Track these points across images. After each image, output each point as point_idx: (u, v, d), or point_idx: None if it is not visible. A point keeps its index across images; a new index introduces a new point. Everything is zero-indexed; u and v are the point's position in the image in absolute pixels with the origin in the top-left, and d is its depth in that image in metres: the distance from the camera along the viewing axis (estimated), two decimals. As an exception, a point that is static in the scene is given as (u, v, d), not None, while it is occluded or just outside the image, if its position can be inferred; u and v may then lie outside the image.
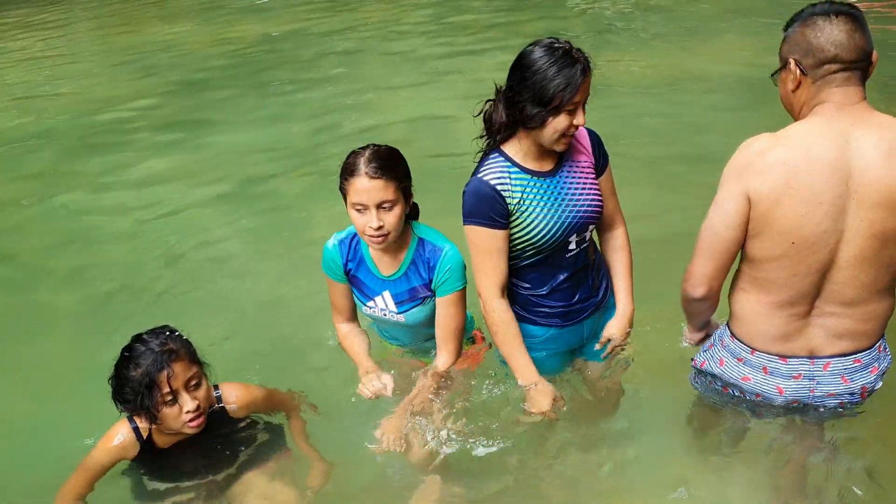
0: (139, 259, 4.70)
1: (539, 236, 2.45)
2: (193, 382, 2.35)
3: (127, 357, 2.30)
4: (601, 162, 2.57)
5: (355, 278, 2.71)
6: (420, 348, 2.87)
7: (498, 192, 2.40)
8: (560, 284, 2.58)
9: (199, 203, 5.40)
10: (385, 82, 7.66)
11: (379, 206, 2.41)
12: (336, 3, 11.86)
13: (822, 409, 2.37)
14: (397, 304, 2.66)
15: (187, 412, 2.32)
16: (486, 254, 2.46)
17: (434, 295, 2.63)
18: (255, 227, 4.97)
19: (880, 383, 2.33)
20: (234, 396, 2.57)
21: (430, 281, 2.61)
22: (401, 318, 2.68)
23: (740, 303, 2.31)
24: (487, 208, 2.40)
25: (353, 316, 2.88)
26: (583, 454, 2.86)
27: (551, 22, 9.48)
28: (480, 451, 2.64)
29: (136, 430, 2.45)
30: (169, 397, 2.29)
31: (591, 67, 2.28)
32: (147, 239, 4.94)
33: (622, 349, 2.75)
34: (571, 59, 2.25)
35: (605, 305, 2.73)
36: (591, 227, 2.55)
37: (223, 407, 2.56)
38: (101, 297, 4.30)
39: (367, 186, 2.39)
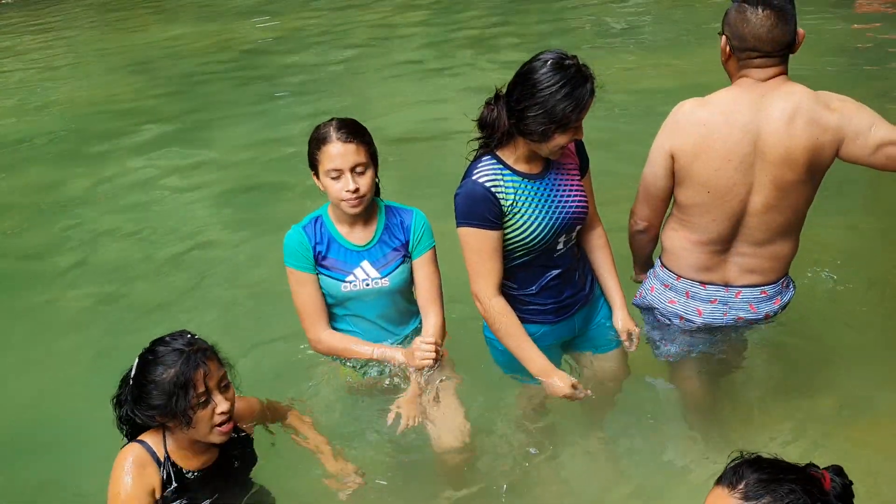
0: (135, 259, 4.70)
1: (531, 237, 2.49)
2: (224, 384, 2.21)
3: (151, 360, 2.13)
4: (584, 163, 2.63)
5: (327, 259, 2.67)
6: (399, 339, 2.81)
7: (492, 193, 2.42)
8: (549, 282, 2.62)
9: (195, 205, 5.41)
10: (383, 85, 7.67)
11: (353, 170, 2.52)
12: (334, 6, 11.87)
13: (732, 332, 2.86)
14: (379, 269, 2.68)
15: (221, 413, 2.16)
16: (481, 255, 2.49)
17: (409, 254, 2.71)
18: (251, 228, 4.96)
19: (782, 311, 2.76)
20: (240, 408, 2.43)
21: (407, 242, 2.70)
22: (385, 281, 2.67)
23: (671, 240, 2.72)
24: (482, 210, 2.43)
25: (328, 319, 2.76)
26: (588, 444, 2.91)
27: (550, 25, 9.49)
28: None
29: (149, 448, 2.22)
30: (203, 398, 2.13)
31: (596, 84, 2.30)
32: (143, 240, 4.94)
33: (638, 333, 2.78)
34: (582, 78, 2.27)
35: (592, 298, 2.78)
36: (578, 227, 2.59)
37: (241, 429, 2.41)
38: (98, 298, 4.30)
39: (342, 150, 2.50)
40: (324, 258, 2.67)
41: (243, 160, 6.14)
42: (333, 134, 2.51)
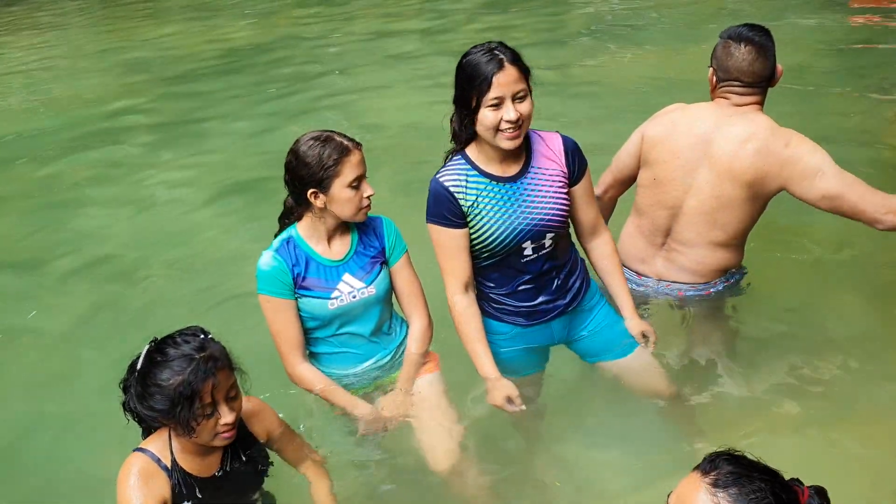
0: (132, 258, 4.69)
1: (490, 240, 2.52)
2: (232, 393, 2.10)
3: (158, 361, 2.02)
4: (576, 170, 2.58)
5: (307, 280, 2.59)
6: (390, 351, 2.77)
7: (451, 193, 2.49)
8: (520, 286, 2.63)
9: (191, 204, 5.39)
10: (377, 84, 7.66)
11: (362, 178, 2.53)
12: (328, 4, 11.85)
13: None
14: (362, 278, 2.64)
15: (224, 424, 2.07)
16: (446, 251, 2.57)
17: (388, 263, 2.71)
18: (246, 227, 4.95)
19: (730, 292, 3.04)
20: (267, 419, 2.38)
21: (383, 249, 2.69)
22: (371, 290, 2.64)
23: (626, 226, 3.08)
24: (443, 208, 2.51)
25: (305, 350, 2.71)
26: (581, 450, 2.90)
27: (543, 19, 9.49)
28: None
29: (154, 457, 2.15)
30: (209, 409, 2.04)
31: (516, 61, 2.34)
32: (140, 240, 4.93)
33: (654, 336, 2.78)
34: (489, 56, 2.33)
35: (577, 308, 2.74)
36: (549, 234, 2.55)
37: (249, 432, 2.33)
38: (96, 296, 4.28)
39: (361, 157, 2.51)
40: (304, 280, 2.59)
41: (237, 160, 6.12)
42: (348, 143, 2.50)
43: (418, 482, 2.66)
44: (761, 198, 2.75)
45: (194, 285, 4.34)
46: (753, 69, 2.69)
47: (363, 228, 2.68)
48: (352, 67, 8.41)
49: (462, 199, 2.49)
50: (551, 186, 2.54)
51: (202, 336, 2.09)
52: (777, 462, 1.69)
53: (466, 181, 2.50)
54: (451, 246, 2.55)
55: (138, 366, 2.06)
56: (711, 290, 2.98)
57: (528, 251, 2.55)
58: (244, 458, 2.30)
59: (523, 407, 2.57)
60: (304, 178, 2.48)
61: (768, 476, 1.59)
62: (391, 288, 2.75)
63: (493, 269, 2.63)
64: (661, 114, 2.90)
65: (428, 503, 2.68)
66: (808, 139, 2.68)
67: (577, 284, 2.73)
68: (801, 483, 1.64)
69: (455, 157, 2.54)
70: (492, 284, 2.66)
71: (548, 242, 2.57)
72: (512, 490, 2.71)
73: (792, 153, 2.63)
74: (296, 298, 2.60)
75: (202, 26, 11.23)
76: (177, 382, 1.98)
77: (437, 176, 2.53)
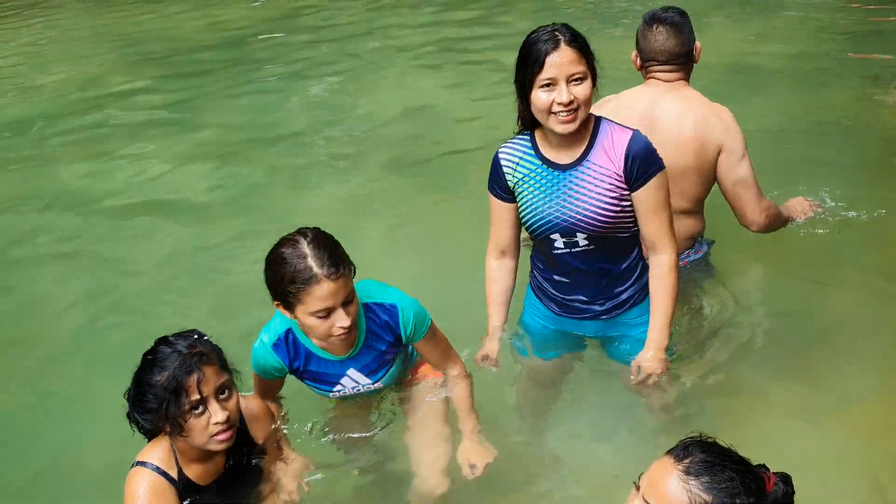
0: (129, 244, 4.70)
1: (525, 222, 2.56)
2: (224, 392, 2.07)
3: (150, 360, 2.04)
4: (637, 175, 2.40)
5: (308, 373, 2.46)
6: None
7: (501, 167, 2.55)
8: (556, 275, 2.64)
9: (189, 187, 5.38)
10: (379, 69, 7.63)
11: (344, 304, 2.18)
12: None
13: None
14: (368, 374, 2.48)
15: (216, 423, 2.03)
16: (492, 217, 2.68)
17: (402, 348, 2.52)
18: (245, 212, 4.96)
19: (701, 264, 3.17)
20: (262, 421, 2.36)
21: (398, 338, 2.44)
22: (378, 384, 2.52)
23: None
24: (493, 179, 2.60)
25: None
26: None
27: (542, 3, 9.44)
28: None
29: (160, 470, 2.12)
30: (197, 405, 2.01)
31: (574, 42, 2.30)
32: (135, 224, 4.93)
33: (654, 379, 2.58)
34: (548, 36, 2.32)
35: (615, 319, 2.67)
36: (580, 234, 2.47)
37: (244, 424, 2.28)
38: (90, 283, 4.28)
39: (332, 290, 2.13)
40: (304, 372, 2.46)
41: (236, 143, 6.10)
42: (318, 270, 2.11)
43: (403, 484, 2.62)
44: (708, 165, 2.91)
45: (181, 271, 4.34)
46: (667, 48, 2.92)
47: (373, 321, 2.39)
48: (353, 51, 8.36)
49: (510, 176, 2.53)
50: (598, 186, 2.42)
51: (196, 336, 2.10)
52: (752, 446, 1.74)
53: (520, 160, 2.51)
54: (495, 215, 2.66)
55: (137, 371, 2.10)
56: (686, 259, 3.08)
57: (558, 244, 2.52)
58: (245, 461, 2.29)
59: (494, 368, 2.69)
60: (274, 289, 2.22)
61: (739, 465, 1.64)
62: (405, 366, 2.63)
63: (537, 250, 2.69)
64: (598, 107, 2.90)
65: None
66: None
67: (625, 297, 2.62)
68: (768, 469, 1.69)
69: (523, 133, 2.54)
70: (539, 263, 2.72)
71: (581, 241, 2.49)
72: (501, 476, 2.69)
73: (726, 126, 2.87)
74: (284, 377, 2.52)
75: (202, 9, 11.14)
76: (163, 378, 2.00)
77: (500, 147, 2.57)
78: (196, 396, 2.01)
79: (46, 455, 3.09)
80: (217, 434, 2.06)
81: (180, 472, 2.14)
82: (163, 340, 2.09)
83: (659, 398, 2.68)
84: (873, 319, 3.34)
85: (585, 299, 2.64)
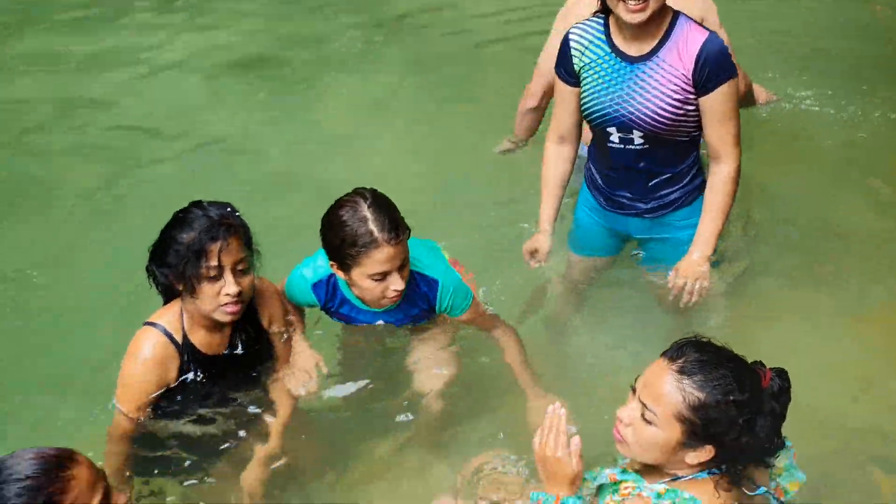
0: (140, 144, 4.56)
1: (585, 110, 2.52)
2: (242, 267, 2.12)
3: (181, 218, 2.11)
4: (706, 80, 2.33)
5: (338, 314, 2.52)
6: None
7: (570, 48, 2.49)
8: (607, 169, 2.63)
9: (197, 85, 5.15)
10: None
11: (399, 269, 2.23)
12: None
13: None
14: (396, 324, 2.53)
15: (227, 294, 2.10)
16: (556, 98, 2.65)
17: (433, 314, 2.53)
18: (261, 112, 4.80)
19: None
20: (272, 305, 2.40)
21: (431, 308, 2.48)
22: (401, 330, 2.58)
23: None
24: (560, 60, 2.53)
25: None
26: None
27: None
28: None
29: (166, 332, 2.20)
30: (214, 272, 2.07)
31: None
32: (142, 123, 4.74)
33: (690, 285, 2.55)
34: None
35: (659, 219, 2.65)
36: (637, 131, 2.44)
37: (257, 313, 2.35)
38: (100, 183, 4.20)
39: (392, 254, 2.17)
40: (334, 312, 2.52)
41: (253, 32, 5.79)
42: (379, 235, 2.13)
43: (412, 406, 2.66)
44: None
45: (218, 160, 4.28)
46: None
47: (413, 289, 2.40)
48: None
49: (577, 59, 2.47)
50: (663, 85, 2.36)
51: (229, 209, 2.16)
52: (763, 349, 1.77)
53: (589, 43, 2.45)
54: (558, 97, 2.61)
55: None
56: None
57: (614, 138, 2.49)
58: (250, 342, 2.34)
59: (536, 265, 2.69)
60: (333, 249, 2.24)
61: (733, 363, 1.69)
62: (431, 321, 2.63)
63: (593, 141, 2.64)
64: (570, 11, 2.92)
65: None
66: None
67: (671, 198, 2.60)
68: (764, 366, 1.74)
69: (598, 15, 2.45)
70: (593, 153, 2.69)
71: (637, 139, 2.45)
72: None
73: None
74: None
75: None
76: (189, 238, 2.06)
77: (571, 27, 2.51)
78: (214, 263, 2.06)
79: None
80: (225, 305, 2.12)
81: (185, 337, 2.21)
82: (197, 203, 2.14)
83: (684, 304, 2.62)
84: (886, 229, 3.36)
85: (631, 196, 2.63)
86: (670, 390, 1.65)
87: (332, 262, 2.27)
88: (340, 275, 2.29)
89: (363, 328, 2.58)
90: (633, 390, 1.75)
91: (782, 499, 1.86)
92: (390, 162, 4.06)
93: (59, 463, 1.56)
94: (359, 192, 2.23)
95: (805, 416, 2.16)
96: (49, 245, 3.67)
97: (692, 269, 2.53)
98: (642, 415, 1.70)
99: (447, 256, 2.64)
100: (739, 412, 1.63)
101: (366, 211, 2.16)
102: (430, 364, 2.60)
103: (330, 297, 2.46)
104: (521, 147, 3.66)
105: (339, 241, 2.18)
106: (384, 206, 2.20)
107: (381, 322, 2.51)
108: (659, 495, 1.72)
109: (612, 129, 2.47)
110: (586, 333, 2.99)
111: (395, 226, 2.17)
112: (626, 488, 1.79)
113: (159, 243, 2.13)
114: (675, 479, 1.75)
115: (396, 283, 2.22)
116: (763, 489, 1.76)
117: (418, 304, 2.46)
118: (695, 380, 1.64)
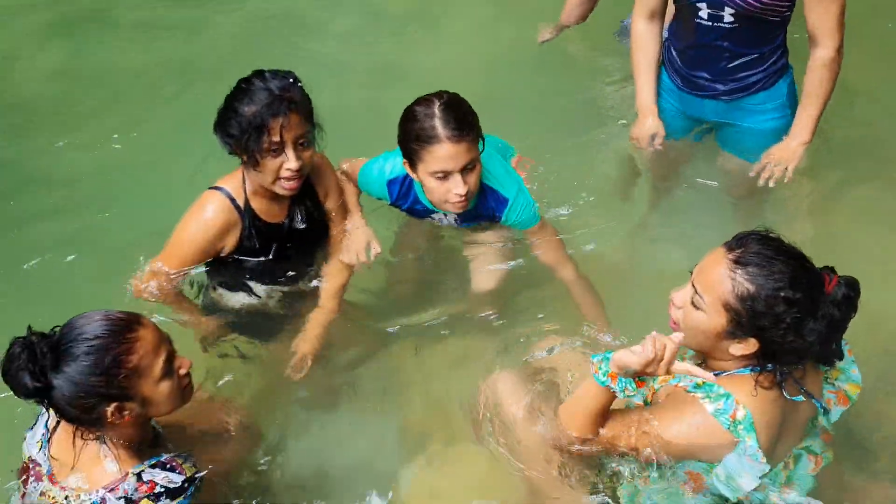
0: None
1: None
2: (302, 142, 2.12)
3: (243, 89, 2.09)
4: None
5: (406, 210, 2.54)
6: None
7: None
8: (689, 48, 2.55)
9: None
10: None
11: (463, 171, 2.20)
12: None
13: None
14: (461, 224, 2.55)
15: (287, 169, 2.11)
16: None
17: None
18: None
19: None
20: (328, 181, 2.41)
21: (497, 217, 2.47)
22: (464, 228, 2.58)
23: None
24: None
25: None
26: None
27: None
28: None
29: (230, 196, 2.21)
30: (276, 147, 2.08)
31: None
32: None
33: (781, 169, 2.52)
34: None
35: (735, 102, 2.59)
36: (728, 9, 2.35)
37: (314, 188, 2.37)
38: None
39: (452, 152, 2.15)
40: (402, 207, 2.53)
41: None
42: (442, 130, 2.13)
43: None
44: None
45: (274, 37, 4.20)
46: None
47: (483, 203, 2.41)
48: None
49: None
50: None
51: (291, 80, 2.11)
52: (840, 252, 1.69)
53: None
54: None
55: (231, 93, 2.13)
56: None
57: (703, 14, 2.40)
58: (308, 214, 2.36)
59: (660, 147, 2.62)
60: (402, 142, 2.26)
61: (794, 260, 1.63)
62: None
63: (677, 18, 2.56)
64: None
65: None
66: None
67: (750, 80, 2.54)
68: (834, 272, 1.67)
69: None
70: (675, 30, 2.61)
71: (727, 17, 2.38)
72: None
73: None
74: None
75: None
76: (250, 112, 2.04)
77: None
78: (276, 139, 2.06)
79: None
80: (285, 179, 2.14)
81: (247, 202, 2.24)
82: (259, 74, 2.11)
83: (763, 181, 2.57)
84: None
85: (709, 77, 2.57)
86: (721, 278, 1.64)
87: (405, 161, 2.29)
88: (410, 172, 2.31)
89: (422, 221, 2.61)
90: (692, 274, 1.74)
91: (846, 406, 1.84)
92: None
93: (126, 325, 1.64)
94: (438, 93, 2.23)
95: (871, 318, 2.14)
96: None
97: (784, 153, 2.52)
98: (692, 300, 1.69)
99: (515, 152, 2.64)
100: (788, 310, 1.60)
101: (436, 108, 2.17)
102: (485, 259, 2.63)
103: (402, 197, 2.48)
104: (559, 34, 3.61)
105: (407, 135, 2.21)
106: (455, 106, 2.20)
107: (446, 219, 2.53)
108: (696, 385, 1.73)
109: (702, 5, 2.38)
110: (652, 219, 2.99)
111: (461, 126, 2.16)
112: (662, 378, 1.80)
113: (223, 112, 2.12)
114: (718, 374, 1.74)
115: (458, 187, 2.20)
116: (800, 398, 1.73)
117: (485, 214, 2.47)
118: (748, 271, 1.61)
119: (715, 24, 2.41)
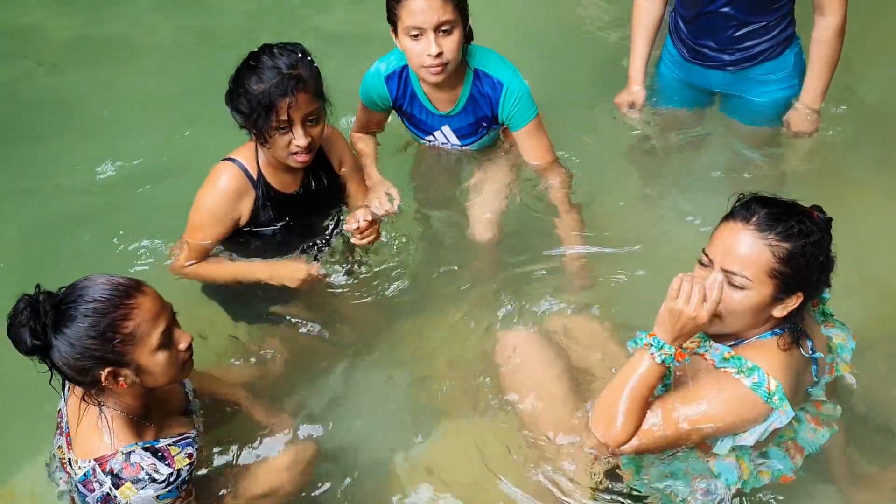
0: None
1: None
2: (312, 118, 2.13)
3: (251, 66, 2.08)
4: None
5: (407, 113, 2.56)
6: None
7: None
8: (695, 18, 2.54)
9: None
10: None
11: (437, 30, 2.21)
12: None
13: None
14: (460, 137, 2.56)
15: (297, 146, 2.13)
16: None
17: (498, 125, 2.54)
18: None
19: None
20: (340, 149, 2.43)
21: (495, 116, 2.48)
22: (466, 149, 2.59)
23: None
24: None
25: (374, 133, 2.73)
26: None
27: None
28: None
29: (243, 167, 2.24)
30: (284, 125, 2.08)
31: None
32: None
33: (803, 135, 2.60)
34: None
35: (742, 72, 2.60)
36: None
37: (328, 157, 2.40)
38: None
39: (424, 6, 2.18)
40: (403, 110, 2.56)
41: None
42: None
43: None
44: None
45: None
46: None
47: (478, 87, 2.44)
48: None
49: None
50: None
51: (299, 55, 2.11)
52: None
53: None
54: None
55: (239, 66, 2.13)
56: None
57: None
58: (321, 182, 2.37)
59: (636, 116, 2.66)
60: (386, 7, 2.30)
61: (795, 208, 1.70)
62: (494, 141, 2.65)
63: None
64: None
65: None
66: None
67: (756, 50, 2.54)
68: (804, 205, 1.73)
69: None
70: (681, 2, 2.60)
71: None
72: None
73: None
74: (388, 111, 2.60)
75: None
76: (259, 91, 2.04)
77: None
78: (284, 118, 2.07)
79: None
80: (296, 154, 2.15)
81: (260, 173, 2.25)
82: (267, 49, 2.11)
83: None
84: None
85: (715, 46, 2.57)
86: (755, 248, 1.65)
87: (391, 29, 2.31)
88: (395, 40, 2.32)
89: (432, 162, 2.66)
90: (702, 263, 1.72)
91: (832, 375, 1.88)
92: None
93: (126, 291, 1.65)
94: None
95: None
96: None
97: (804, 122, 2.56)
98: (730, 283, 1.67)
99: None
100: (820, 251, 1.66)
101: None
102: (485, 204, 2.65)
103: (401, 93, 2.50)
104: None
105: None
106: None
107: (447, 129, 2.53)
108: (724, 359, 1.73)
109: None
110: (655, 195, 2.97)
111: None
112: (691, 342, 1.80)
113: (234, 87, 2.13)
114: (740, 342, 1.76)
115: (430, 47, 2.21)
116: (819, 354, 1.79)
117: (482, 107, 2.46)
118: (777, 232, 1.64)
119: None
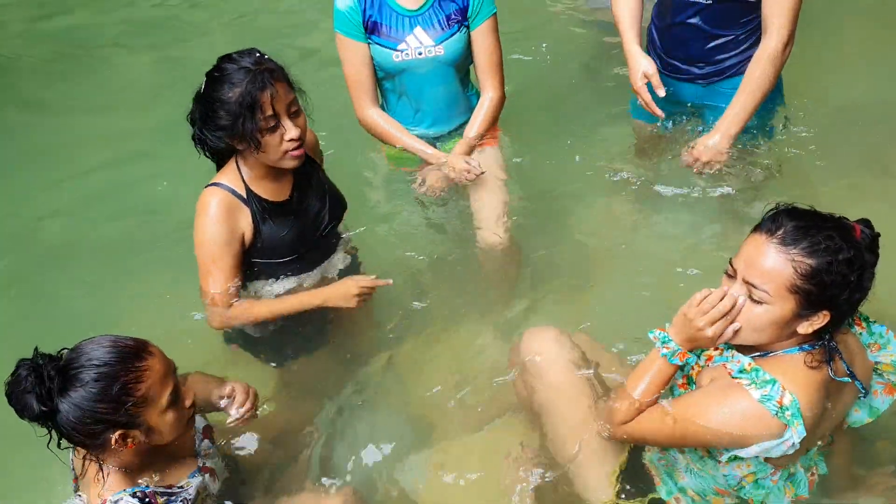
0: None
1: None
2: (293, 109, 2.07)
3: (218, 77, 1.99)
4: None
5: (378, 25, 2.55)
6: (451, 127, 2.80)
7: None
8: (668, 28, 2.57)
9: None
10: None
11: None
12: None
13: None
14: (433, 36, 2.56)
15: (290, 140, 2.05)
16: None
17: (466, 22, 2.57)
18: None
19: None
20: (311, 140, 2.37)
21: (465, 8, 2.54)
22: (440, 49, 2.56)
23: None
24: None
25: (377, 96, 2.71)
26: None
27: None
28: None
29: (230, 189, 2.15)
30: (271, 122, 2.01)
31: None
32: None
33: (706, 167, 2.51)
34: None
35: (712, 86, 2.60)
36: None
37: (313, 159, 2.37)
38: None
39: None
40: (374, 23, 2.54)
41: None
42: None
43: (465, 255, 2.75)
44: None
45: None
46: None
47: None
48: None
49: None
50: None
51: (258, 54, 2.05)
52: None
53: None
54: None
55: (201, 90, 2.05)
56: None
57: None
58: (311, 183, 2.32)
59: (662, 91, 2.48)
60: None
61: (830, 222, 1.60)
62: (466, 56, 2.64)
63: None
64: None
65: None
66: None
67: (726, 64, 2.54)
68: (849, 220, 1.65)
69: None
70: (657, 9, 2.62)
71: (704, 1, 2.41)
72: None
73: None
74: (368, 43, 2.57)
75: None
76: (237, 94, 1.96)
77: None
78: (270, 112, 2.00)
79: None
80: (291, 150, 2.08)
81: (248, 189, 2.17)
82: (226, 58, 2.03)
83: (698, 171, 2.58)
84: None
85: (686, 58, 2.58)
86: (777, 263, 1.57)
87: None
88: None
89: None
90: (729, 274, 1.67)
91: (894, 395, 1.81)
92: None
93: (135, 353, 1.61)
94: None
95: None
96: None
97: (710, 152, 2.46)
98: (750, 295, 1.62)
99: None
100: (850, 270, 1.57)
101: None
102: (484, 198, 2.69)
103: (370, 2, 2.53)
104: None
105: None
106: None
107: (419, 30, 2.55)
108: (743, 371, 1.67)
109: None
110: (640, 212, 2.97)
111: None
112: (714, 349, 1.78)
113: (205, 108, 2.03)
114: (765, 354, 1.70)
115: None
116: (847, 379, 1.69)
117: (453, 0, 2.54)
118: (801, 247, 1.56)
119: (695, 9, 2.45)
